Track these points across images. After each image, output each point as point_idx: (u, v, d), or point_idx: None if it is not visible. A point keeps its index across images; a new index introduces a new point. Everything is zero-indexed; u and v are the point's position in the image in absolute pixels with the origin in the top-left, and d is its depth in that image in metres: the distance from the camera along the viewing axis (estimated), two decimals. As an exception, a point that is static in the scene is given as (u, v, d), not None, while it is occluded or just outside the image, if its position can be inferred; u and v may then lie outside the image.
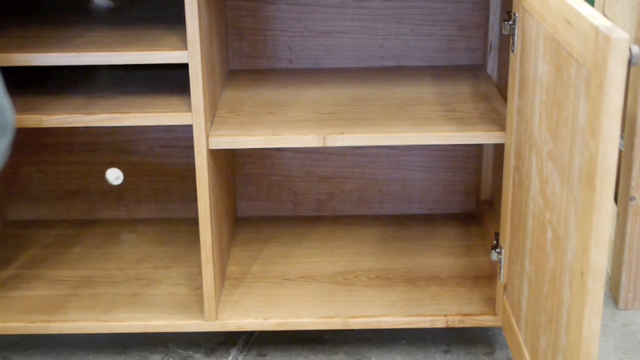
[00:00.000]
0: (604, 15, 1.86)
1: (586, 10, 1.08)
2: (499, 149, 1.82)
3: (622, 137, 1.79)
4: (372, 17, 1.88)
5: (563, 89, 1.16)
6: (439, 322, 1.62)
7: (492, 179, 1.96)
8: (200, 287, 1.70)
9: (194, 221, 1.95)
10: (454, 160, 1.98)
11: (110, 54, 1.47)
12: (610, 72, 0.98)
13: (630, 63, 0.99)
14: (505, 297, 1.56)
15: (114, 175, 1.97)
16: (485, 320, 1.62)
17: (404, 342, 1.74)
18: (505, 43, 1.72)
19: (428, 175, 2.00)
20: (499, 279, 1.58)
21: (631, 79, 1.75)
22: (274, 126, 1.58)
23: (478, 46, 1.90)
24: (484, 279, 1.74)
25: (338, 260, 1.83)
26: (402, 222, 1.99)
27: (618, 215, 1.82)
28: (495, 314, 1.62)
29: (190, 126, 1.50)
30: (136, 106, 1.55)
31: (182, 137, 1.94)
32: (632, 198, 1.76)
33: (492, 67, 1.86)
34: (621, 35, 0.97)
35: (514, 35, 1.43)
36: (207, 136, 1.52)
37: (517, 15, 1.41)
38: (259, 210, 2.03)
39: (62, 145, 1.96)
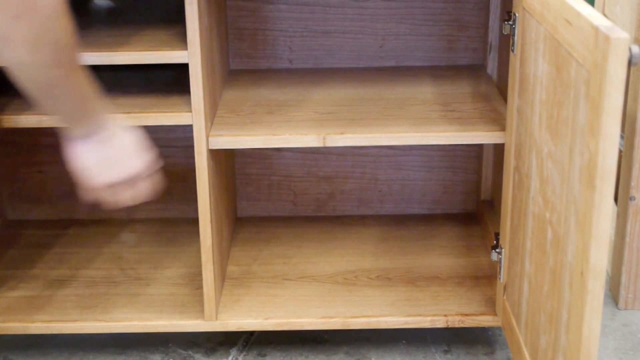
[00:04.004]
0: (604, 15, 1.86)
1: (586, 10, 1.08)
2: (499, 149, 1.82)
3: (622, 137, 1.79)
4: (372, 17, 1.88)
5: (563, 89, 1.16)
6: (439, 322, 1.62)
7: (492, 179, 1.96)
8: (200, 287, 1.70)
9: (194, 221, 1.94)
10: (454, 160, 1.98)
11: (110, 54, 1.47)
12: (610, 72, 0.98)
13: (630, 63, 0.99)
14: (505, 297, 1.56)
15: (114, 175, 1.97)
16: (485, 320, 1.62)
17: (404, 342, 1.74)
18: (505, 43, 1.72)
19: (428, 175, 2.00)
20: (499, 279, 1.58)
21: (631, 79, 1.75)
22: (274, 126, 1.58)
23: (478, 46, 1.90)
24: (484, 279, 1.74)
25: (338, 260, 1.83)
26: (402, 222, 1.99)
27: (618, 215, 1.82)
28: (495, 314, 1.62)
29: (190, 126, 1.50)
30: (136, 106, 1.55)
31: (182, 137, 1.94)
32: (632, 198, 1.76)
33: (492, 67, 1.86)
34: (621, 35, 0.97)
35: (514, 35, 1.43)
36: (207, 136, 1.52)
37: (517, 15, 1.41)
38: (259, 210, 2.03)
39: (62, 146, 1.96)
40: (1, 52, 0.93)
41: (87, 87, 1.05)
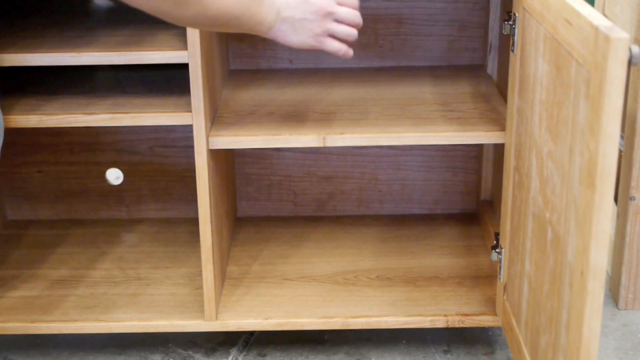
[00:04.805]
0: (604, 15, 1.86)
1: (586, 10, 1.08)
2: (499, 149, 1.82)
3: (622, 137, 1.79)
4: (372, 17, 1.88)
5: (563, 89, 1.16)
6: (439, 322, 1.62)
7: (492, 179, 1.96)
8: (200, 287, 1.70)
9: (194, 221, 1.95)
10: (454, 160, 1.99)
11: (110, 54, 1.47)
12: (610, 72, 0.98)
13: (630, 63, 0.99)
14: (505, 297, 1.56)
15: (114, 175, 1.97)
16: (485, 320, 1.62)
17: (404, 342, 1.74)
18: (505, 43, 1.72)
19: (428, 175, 2.00)
20: (499, 279, 1.58)
21: (631, 79, 1.75)
22: (274, 126, 1.58)
23: (478, 46, 1.90)
24: (484, 279, 1.74)
25: (338, 260, 1.83)
26: (402, 222, 1.99)
27: (618, 215, 1.82)
28: (495, 314, 1.62)
29: (190, 126, 1.50)
30: (136, 106, 1.55)
31: (182, 137, 1.94)
32: (632, 198, 1.76)
33: (492, 67, 1.86)
34: (621, 35, 0.97)
35: (514, 35, 1.43)
36: (207, 136, 1.52)
37: (517, 15, 1.41)
38: (259, 210, 2.03)
39: (62, 145, 1.96)
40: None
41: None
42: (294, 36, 1.29)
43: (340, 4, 1.31)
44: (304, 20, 1.28)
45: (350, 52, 1.35)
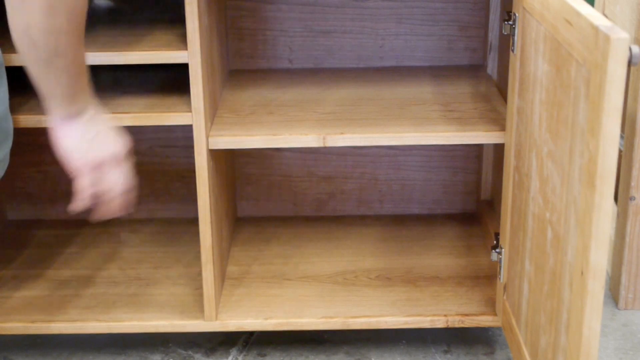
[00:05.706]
0: (604, 15, 1.86)
1: (586, 10, 1.08)
2: (499, 149, 1.82)
3: (622, 137, 1.79)
4: (372, 17, 1.88)
5: (563, 89, 1.16)
6: (439, 322, 1.62)
7: (492, 179, 1.96)
8: (200, 287, 1.70)
9: (194, 221, 1.95)
10: (454, 160, 1.98)
11: (110, 54, 1.47)
12: (610, 72, 0.98)
13: (630, 63, 0.99)
14: (505, 297, 1.56)
15: (114, 175, 1.97)
16: (485, 320, 1.62)
17: (404, 342, 1.74)
18: (505, 43, 1.72)
19: (428, 175, 2.00)
20: (499, 279, 1.58)
21: (631, 79, 1.75)
22: (274, 126, 1.58)
23: (478, 46, 1.90)
24: (484, 279, 1.74)
25: (338, 260, 1.83)
26: (402, 222, 1.99)
27: (618, 215, 1.82)
28: (495, 314, 1.62)
29: (190, 126, 1.50)
30: (136, 106, 1.55)
31: (182, 137, 1.94)
32: (632, 198, 1.76)
33: (492, 67, 1.86)
34: (621, 35, 0.97)
35: (514, 35, 1.43)
36: (207, 136, 1.52)
37: (517, 15, 1.41)
38: (259, 210, 2.03)
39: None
40: (17, 15, 0.95)
41: (85, 62, 1.06)
42: (70, 143, 1.14)
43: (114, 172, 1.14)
44: (93, 143, 1.13)
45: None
